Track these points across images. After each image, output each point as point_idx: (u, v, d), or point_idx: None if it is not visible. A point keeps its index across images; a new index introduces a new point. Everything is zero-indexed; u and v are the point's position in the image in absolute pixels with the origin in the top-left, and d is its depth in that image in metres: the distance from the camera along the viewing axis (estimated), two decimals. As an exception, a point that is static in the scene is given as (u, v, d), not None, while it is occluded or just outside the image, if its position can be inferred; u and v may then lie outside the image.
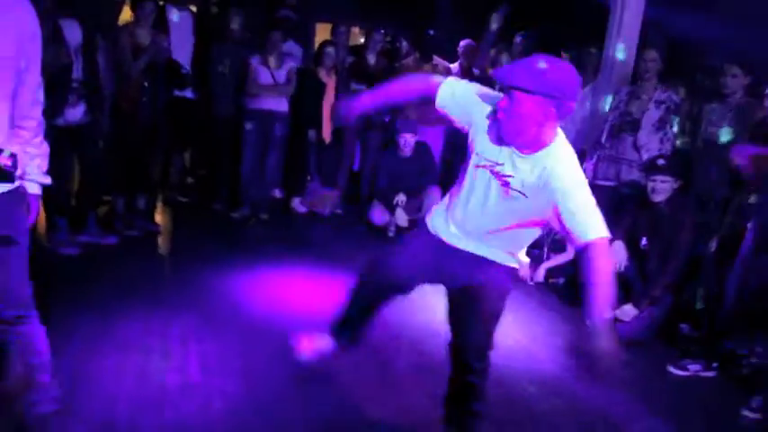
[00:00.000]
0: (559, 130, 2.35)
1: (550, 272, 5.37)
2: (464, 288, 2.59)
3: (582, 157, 5.64)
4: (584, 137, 5.78)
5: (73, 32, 4.34)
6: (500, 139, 2.35)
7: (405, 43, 7.08)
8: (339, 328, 2.97)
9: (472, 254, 2.56)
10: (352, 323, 2.94)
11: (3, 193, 1.72)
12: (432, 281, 2.73)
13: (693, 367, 3.99)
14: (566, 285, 5.34)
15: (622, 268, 4.46)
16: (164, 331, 3.57)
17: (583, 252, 2.30)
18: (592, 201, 2.32)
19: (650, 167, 4.54)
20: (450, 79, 2.57)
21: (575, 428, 3.21)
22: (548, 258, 5.42)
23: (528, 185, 2.33)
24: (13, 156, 1.58)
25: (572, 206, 2.27)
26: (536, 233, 2.63)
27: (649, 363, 4.12)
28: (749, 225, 3.93)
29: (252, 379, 3.20)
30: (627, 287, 4.56)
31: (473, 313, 2.58)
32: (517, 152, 2.34)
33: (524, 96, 2.18)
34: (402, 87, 2.72)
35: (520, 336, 4.26)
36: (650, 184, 4.42)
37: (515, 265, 2.64)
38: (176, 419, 2.77)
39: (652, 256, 4.46)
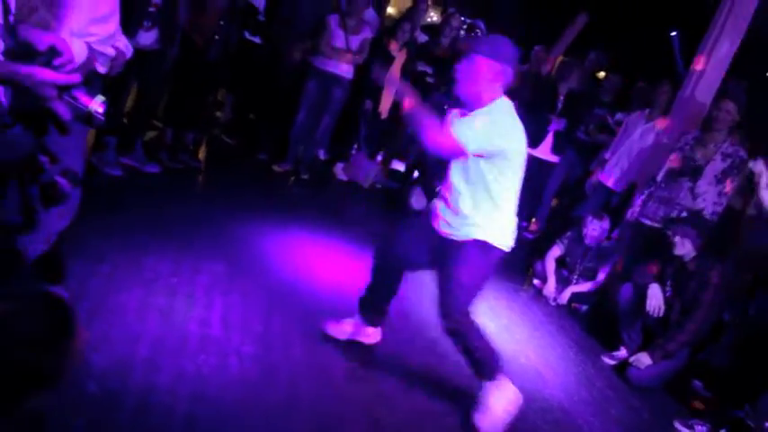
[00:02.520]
0: (505, 99, 2.92)
1: (575, 297, 5.32)
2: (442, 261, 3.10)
3: (631, 190, 5.58)
4: (636, 170, 5.69)
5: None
6: (458, 105, 2.97)
7: (481, 34, 6.96)
8: (364, 306, 3.44)
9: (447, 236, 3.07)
10: (375, 299, 3.42)
11: None
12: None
13: (700, 429, 3.94)
14: (587, 314, 5.31)
15: (660, 312, 4.41)
16: (191, 275, 3.59)
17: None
18: (481, 125, 2.81)
19: (673, 219, 4.55)
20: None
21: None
22: (576, 283, 5.37)
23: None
24: (105, 102, 1.57)
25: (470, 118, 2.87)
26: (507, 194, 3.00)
27: (656, 413, 4.08)
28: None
29: (269, 344, 3.22)
30: (647, 333, 4.52)
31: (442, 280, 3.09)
32: (466, 112, 2.93)
33: (480, 59, 2.84)
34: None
35: (533, 355, 4.24)
36: (671, 238, 4.39)
37: (484, 238, 2.99)
38: (192, 370, 2.79)
39: (674, 308, 4.41)
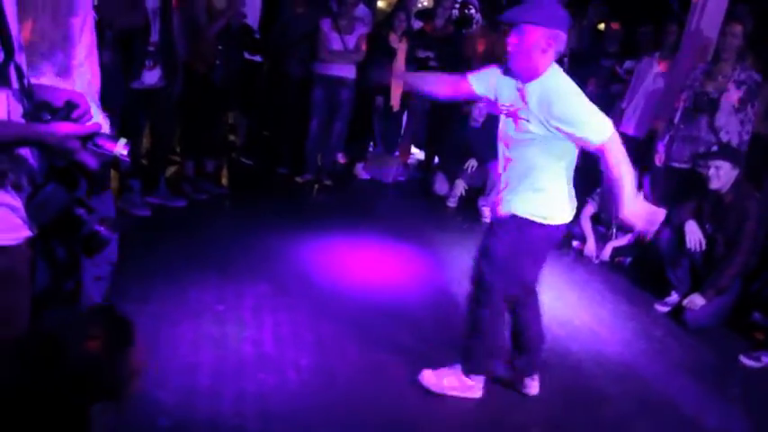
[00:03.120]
0: (554, 64, 2.72)
1: (617, 251, 5.28)
2: None
3: (652, 136, 5.51)
4: (655, 115, 5.62)
5: (150, -6, 4.36)
6: (510, 74, 2.80)
7: (474, 11, 6.92)
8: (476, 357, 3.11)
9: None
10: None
11: None
12: None
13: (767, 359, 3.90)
14: (632, 266, 5.27)
15: (702, 247, 4.36)
16: (236, 300, 3.64)
17: (599, 155, 2.69)
18: (588, 107, 2.65)
19: (704, 154, 4.47)
20: (472, 74, 3.02)
21: (644, 417, 3.17)
22: (615, 237, 5.32)
23: (533, 111, 2.70)
24: (129, 144, 1.60)
25: (570, 117, 2.63)
26: (559, 171, 2.82)
27: (720, 352, 4.04)
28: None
29: (324, 352, 3.26)
30: (695, 275, 4.48)
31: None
32: (520, 84, 2.76)
33: (531, 28, 2.64)
34: (443, 88, 3.15)
35: (586, 316, 4.22)
36: (706, 172, 4.31)
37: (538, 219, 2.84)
38: (254, 390, 2.84)
39: (718, 243, 4.35)
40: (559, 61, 2.77)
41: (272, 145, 6.46)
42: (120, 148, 1.59)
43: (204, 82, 4.98)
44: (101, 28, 2.72)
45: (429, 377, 3.07)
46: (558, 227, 2.88)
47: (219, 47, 4.98)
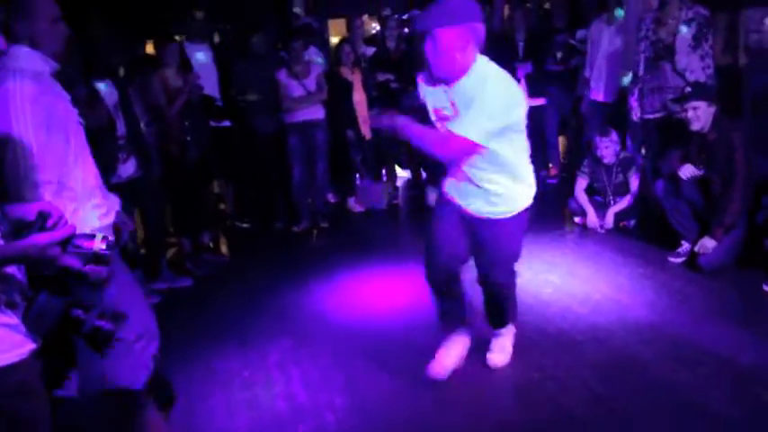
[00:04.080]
0: (479, 55, 2.71)
1: (619, 216, 5.29)
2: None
3: (623, 96, 5.56)
4: (619, 75, 5.67)
5: (108, 92, 4.45)
6: (434, 81, 2.79)
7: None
8: (444, 320, 3.34)
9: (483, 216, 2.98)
10: (450, 308, 3.29)
11: None
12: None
13: (790, 283, 3.89)
14: (638, 226, 5.28)
15: (696, 173, 4.41)
16: (261, 360, 3.66)
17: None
18: (494, 113, 2.63)
19: (678, 98, 4.49)
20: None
21: (686, 370, 3.16)
22: (613, 203, 5.34)
23: (460, 107, 2.73)
24: (105, 238, 1.65)
25: (479, 110, 2.63)
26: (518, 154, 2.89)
27: (742, 288, 4.05)
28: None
29: (356, 388, 3.27)
30: (701, 220, 4.48)
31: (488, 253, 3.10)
32: (447, 87, 2.76)
33: (442, 31, 2.61)
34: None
35: (604, 287, 4.22)
36: (684, 115, 4.34)
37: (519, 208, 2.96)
38: (296, 442, 2.86)
39: (714, 183, 4.36)
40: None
41: (263, 203, 6.52)
42: (98, 244, 1.65)
43: (180, 160, 5.05)
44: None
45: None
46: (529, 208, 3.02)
47: (186, 123, 5.06)
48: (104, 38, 4.64)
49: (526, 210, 2.99)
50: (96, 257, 1.65)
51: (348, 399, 3.18)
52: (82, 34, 4.58)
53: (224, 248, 5.86)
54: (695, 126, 4.33)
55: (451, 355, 3.25)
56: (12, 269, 1.64)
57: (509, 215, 2.95)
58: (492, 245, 3.04)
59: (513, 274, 3.18)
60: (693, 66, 4.82)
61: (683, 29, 4.80)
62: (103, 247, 1.65)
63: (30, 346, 1.65)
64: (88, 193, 2.33)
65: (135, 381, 2.38)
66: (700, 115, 4.30)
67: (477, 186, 2.91)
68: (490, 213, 2.95)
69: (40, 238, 1.57)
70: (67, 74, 4.16)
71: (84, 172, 2.34)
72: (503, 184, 2.89)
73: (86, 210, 2.28)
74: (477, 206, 2.97)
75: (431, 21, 2.66)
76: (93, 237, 1.65)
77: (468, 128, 2.65)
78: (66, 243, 1.62)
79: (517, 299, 3.34)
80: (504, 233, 2.99)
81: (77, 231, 1.68)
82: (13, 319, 1.61)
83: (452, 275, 3.19)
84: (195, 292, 4.86)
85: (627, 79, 5.40)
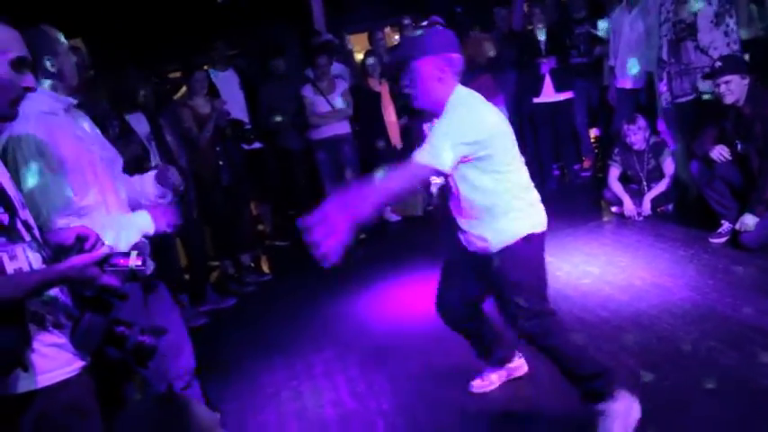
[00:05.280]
0: (461, 89, 2.60)
1: (656, 201, 5.23)
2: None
3: (651, 81, 5.50)
4: (646, 60, 5.62)
5: (140, 124, 4.59)
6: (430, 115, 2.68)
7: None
8: (481, 354, 3.14)
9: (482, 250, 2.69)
10: (475, 345, 3.12)
11: None
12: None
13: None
14: (676, 211, 5.21)
15: (727, 156, 4.35)
16: (307, 371, 3.72)
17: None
18: (449, 133, 2.44)
19: (710, 74, 4.42)
20: None
21: (734, 350, 3.10)
22: (649, 189, 5.28)
23: None
24: (141, 254, 1.73)
25: (435, 128, 2.50)
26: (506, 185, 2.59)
27: (788, 261, 3.96)
28: None
29: (403, 394, 3.29)
30: (740, 197, 4.41)
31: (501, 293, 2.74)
32: (435, 121, 2.60)
33: (418, 63, 2.57)
34: None
35: (645, 274, 4.18)
36: (717, 90, 4.28)
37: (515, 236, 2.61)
38: (348, 448, 2.90)
39: (753, 158, 4.29)
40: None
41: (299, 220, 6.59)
42: (134, 261, 1.72)
43: (214, 185, 5.17)
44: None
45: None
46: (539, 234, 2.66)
47: (217, 149, 5.19)
48: (132, 73, 4.80)
49: (533, 239, 2.62)
50: (133, 274, 1.73)
51: (395, 404, 3.20)
52: (110, 71, 4.76)
53: (265, 267, 5.95)
54: (729, 100, 4.27)
55: (489, 384, 3.15)
56: (55, 291, 1.72)
57: (501, 246, 2.62)
58: (503, 280, 2.66)
59: (539, 318, 2.64)
60: (717, 42, 4.75)
61: (702, 5, 4.74)
62: (139, 263, 1.72)
63: (79, 363, 1.73)
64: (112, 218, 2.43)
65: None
66: (733, 89, 4.24)
67: (475, 216, 2.66)
68: (482, 246, 2.68)
69: (78, 260, 1.65)
70: (100, 110, 4.35)
71: (104, 196, 2.43)
72: (478, 219, 2.65)
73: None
74: (467, 238, 2.73)
75: (407, 52, 2.69)
76: (128, 255, 1.72)
77: (423, 148, 2.45)
78: (104, 263, 1.69)
79: (588, 356, 2.68)
80: (509, 266, 2.62)
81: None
82: (61, 338, 1.69)
83: (466, 315, 2.97)
84: (240, 311, 4.97)
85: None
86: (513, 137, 2.65)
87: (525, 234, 2.60)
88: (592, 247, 4.77)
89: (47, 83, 2.35)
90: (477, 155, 2.47)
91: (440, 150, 2.39)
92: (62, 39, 2.43)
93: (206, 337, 4.56)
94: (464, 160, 2.47)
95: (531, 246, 2.63)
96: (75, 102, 2.46)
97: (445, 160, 2.39)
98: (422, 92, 2.61)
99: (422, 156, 2.41)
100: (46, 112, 2.29)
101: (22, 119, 2.03)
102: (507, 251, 2.61)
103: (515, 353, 3.16)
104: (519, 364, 3.18)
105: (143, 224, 2.47)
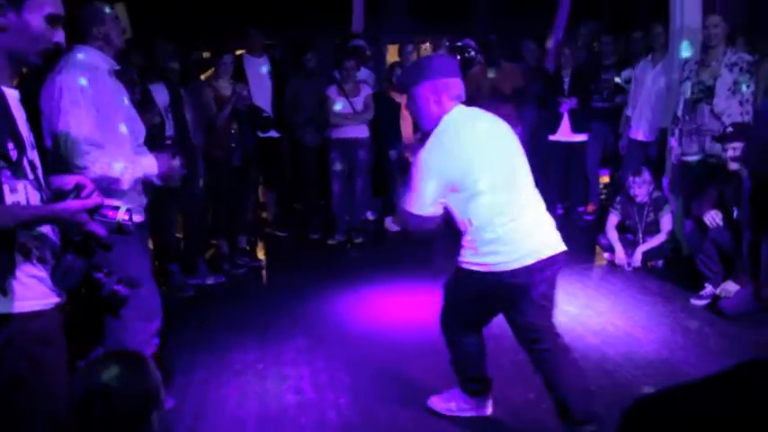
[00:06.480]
0: (459, 106, 2.78)
1: (648, 255, 5.32)
2: None
3: (664, 137, 5.60)
4: (662, 115, 5.72)
5: (161, 94, 4.76)
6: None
7: (473, 52, 7.17)
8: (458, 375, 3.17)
9: None
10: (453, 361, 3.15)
11: None
12: None
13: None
14: (665, 267, 5.29)
15: (718, 221, 4.45)
16: (276, 356, 3.85)
17: None
18: (423, 177, 2.65)
19: (719, 137, 4.52)
20: None
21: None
22: (643, 242, 5.37)
23: None
24: (129, 210, 1.86)
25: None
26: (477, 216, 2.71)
27: (761, 334, 4.03)
28: None
29: (361, 392, 3.41)
30: (728, 263, 4.49)
31: None
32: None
33: (415, 88, 2.77)
34: None
35: (619, 321, 4.27)
36: (724, 155, 4.38)
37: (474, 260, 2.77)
38: (297, 433, 3.01)
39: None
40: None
41: (302, 214, 6.74)
42: (122, 215, 1.85)
43: (224, 165, 5.32)
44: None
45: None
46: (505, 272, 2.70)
47: (232, 131, 5.34)
48: (161, 46, 4.97)
49: (472, 272, 2.77)
50: (119, 227, 1.86)
51: (352, 400, 3.32)
52: (142, 43, 4.95)
53: (260, 254, 6.09)
54: (733, 166, 4.37)
55: (447, 408, 3.18)
56: (46, 229, 1.86)
57: (460, 263, 2.83)
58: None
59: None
60: (732, 110, 4.84)
61: (725, 73, 4.85)
62: (126, 218, 1.85)
63: (54, 299, 1.86)
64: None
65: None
66: (739, 156, 4.34)
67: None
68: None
69: (72, 204, 1.78)
70: (128, 75, 4.51)
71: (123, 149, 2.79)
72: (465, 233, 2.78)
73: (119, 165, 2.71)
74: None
75: (407, 79, 2.89)
76: (117, 208, 1.86)
77: (408, 195, 2.72)
78: (94, 212, 1.82)
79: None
80: (452, 279, 2.96)
81: (105, 201, 1.89)
82: (42, 272, 1.82)
83: (456, 328, 3.04)
84: (226, 289, 5.11)
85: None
86: (492, 171, 2.70)
87: (470, 266, 2.76)
88: (575, 287, 4.86)
89: (96, 45, 2.81)
90: (455, 191, 2.67)
91: (423, 198, 2.68)
92: (107, 9, 2.87)
93: (188, 307, 4.71)
94: (452, 190, 2.67)
95: (468, 277, 2.79)
96: (117, 67, 2.89)
97: (428, 206, 2.70)
98: (423, 116, 2.81)
99: (409, 205, 2.72)
100: (95, 66, 2.76)
101: (73, 66, 2.69)
102: (458, 268, 2.86)
103: (490, 392, 3.17)
104: (486, 404, 3.17)
105: (148, 166, 2.85)
